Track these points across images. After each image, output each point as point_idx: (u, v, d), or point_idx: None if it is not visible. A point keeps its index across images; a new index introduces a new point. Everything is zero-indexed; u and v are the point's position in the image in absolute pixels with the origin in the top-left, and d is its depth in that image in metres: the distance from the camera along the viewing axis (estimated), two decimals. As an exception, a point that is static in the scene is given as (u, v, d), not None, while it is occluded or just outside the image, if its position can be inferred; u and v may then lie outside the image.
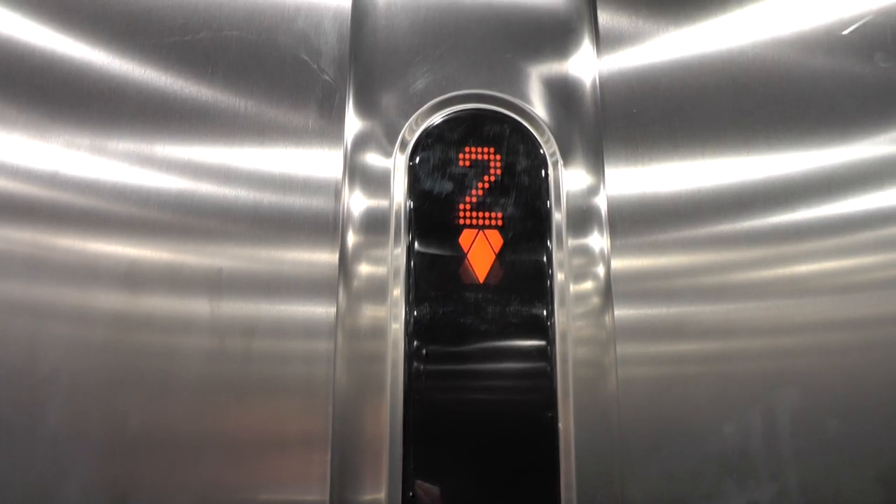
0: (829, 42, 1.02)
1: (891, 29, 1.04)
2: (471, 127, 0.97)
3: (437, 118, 0.96)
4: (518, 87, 0.98)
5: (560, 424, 0.87)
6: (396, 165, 0.94)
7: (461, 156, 0.95)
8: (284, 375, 0.86)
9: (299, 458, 0.84)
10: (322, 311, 0.87)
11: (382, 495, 0.84)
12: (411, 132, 0.96)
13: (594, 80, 0.99)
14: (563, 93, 0.99)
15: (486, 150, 0.95)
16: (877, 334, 0.93)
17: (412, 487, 0.84)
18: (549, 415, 0.87)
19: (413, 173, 0.94)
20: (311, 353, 0.86)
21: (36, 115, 0.91)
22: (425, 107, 0.97)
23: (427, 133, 0.96)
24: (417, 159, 0.94)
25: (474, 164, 0.95)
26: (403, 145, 0.95)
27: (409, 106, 0.97)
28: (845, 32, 1.03)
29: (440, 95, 0.98)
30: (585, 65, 1.00)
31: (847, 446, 0.89)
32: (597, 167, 0.96)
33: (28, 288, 0.86)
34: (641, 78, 0.99)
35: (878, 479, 0.89)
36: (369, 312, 0.90)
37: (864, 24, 1.03)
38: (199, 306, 0.87)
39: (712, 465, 0.87)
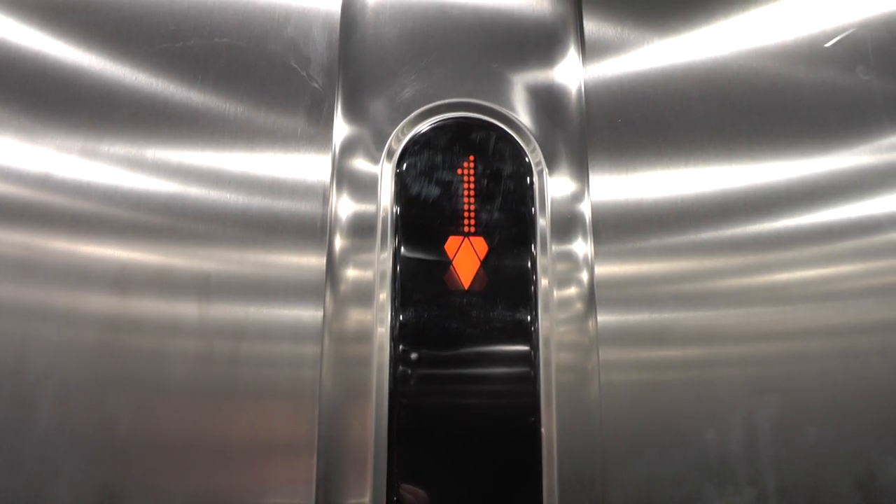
0: (811, 54, 1.02)
1: (871, 42, 1.03)
2: (457, 135, 0.96)
3: (423, 126, 0.96)
4: (504, 95, 0.98)
5: (542, 429, 0.86)
6: (383, 172, 0.94)
7: (447, 163, 0.94)
8: (271, 379, 0.85)
9: (285, 462, 0.83)
10: (309, 314, 0.87)
11: (367, 499, 0.84)
12: (398, 140, 0.95)
13: (579, 89, 0.99)
14: (548, 101, 0.99)
15: (472, 157, 0.95)
16: (856, 342, 0.92)
17: (396, 491, 0.84)
18: (532, 419, 0.86)
19: (400, 180, 0.93)
20: (297, 356, 0.86)
21: (28, 119, 0.90)
22: (412, 115, 0.96)
23: (414, 141, 0.95)
24: (404, 166, 0.94)
25: (460, 171, 0.94)
26: (390, 153, 0.95)
27: (397, 114, 0.96)
28: (828, 45, 1.03)
29: (427, 104, 0.97)
30: (571, 74, 1.00)
31: (826, 453, 0.89)
32: (581, 174, 0.95)
33: (18, 290, 0.85)
34: (626, 87, 0.99)
35: (856, 486, 0.89)
36: (356, 316, 0.89)
37: (845, 37, 1.03)
38: (188, 310, 0.86)
39: (693, 470, 0.87)
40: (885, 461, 0.89)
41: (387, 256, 0.90)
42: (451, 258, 0.91)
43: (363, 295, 0.90)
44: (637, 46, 1.01)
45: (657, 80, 0.99)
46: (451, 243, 0.92)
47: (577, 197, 0.95)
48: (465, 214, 0.93)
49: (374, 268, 0.90)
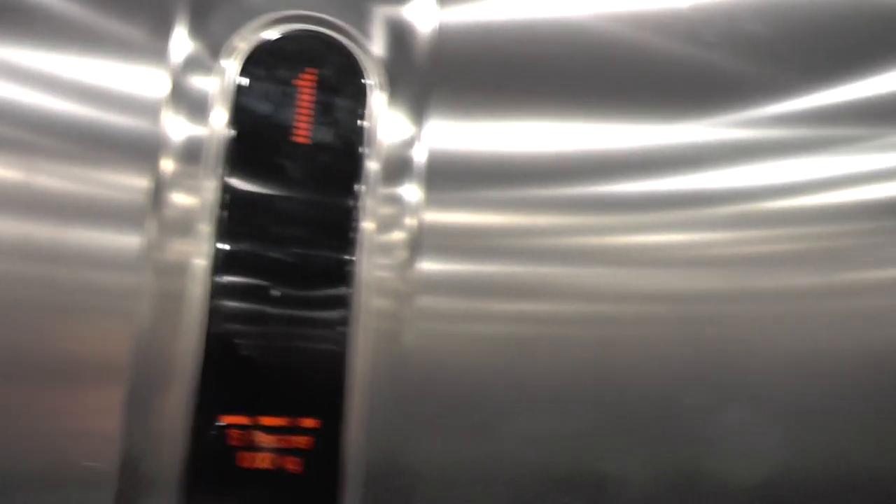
0: (663, 19, 0.97)
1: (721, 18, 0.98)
2: (299, 49, 0.89)
3: (265, 35, 0.88)
4: (354, 17, 0.90)
5: (356, 371, 0.83)
6: (222, 82, 0.86)
7: (285, 77, 0.88)
8: (87, 304, 0.80)
9: (95, 389, 0.79)
10: (130, 240, 0.81)
11: (178, 427, 0.81)
12: (238, 50, 0.88)
13: (433, 29, 0.92)
14: (399, 34, 0.92)
15: (311, 71, 0.88)
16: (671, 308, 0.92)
17: (208, 422, 0.81)
18: (343, 361, 0.84)
19: (235, 93, 0.87)
20: (115, 282, 0.80)
21: None
22: (253, 23, 0.88)
23: (255, 51, 0.88)
24: (242, 79, 0.87)
25: (298, 86, 0.88)
26: (228, 60, 0.87)
27: (241, 21, 0.88)
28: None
29: (272, 13, 0.88)
30: (426, 12, 0.93)
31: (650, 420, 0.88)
32: (420, 116, 0.90)
33: None
34: (481, 33, 0.93)
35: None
36: (177, 247, 0.83)
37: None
38: (2, 225, 0.79)
39: (504, 424, 0.85)
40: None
41: (213, 184, 0.85)
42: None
43: (187, 224, 0.84)
44: (497, -6, 0.94)
45: (512, 29, 0.93)
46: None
47: (413, 138, 0.89)
48: (299, 129, 0.88)
49: (199, 194, 0.84)
